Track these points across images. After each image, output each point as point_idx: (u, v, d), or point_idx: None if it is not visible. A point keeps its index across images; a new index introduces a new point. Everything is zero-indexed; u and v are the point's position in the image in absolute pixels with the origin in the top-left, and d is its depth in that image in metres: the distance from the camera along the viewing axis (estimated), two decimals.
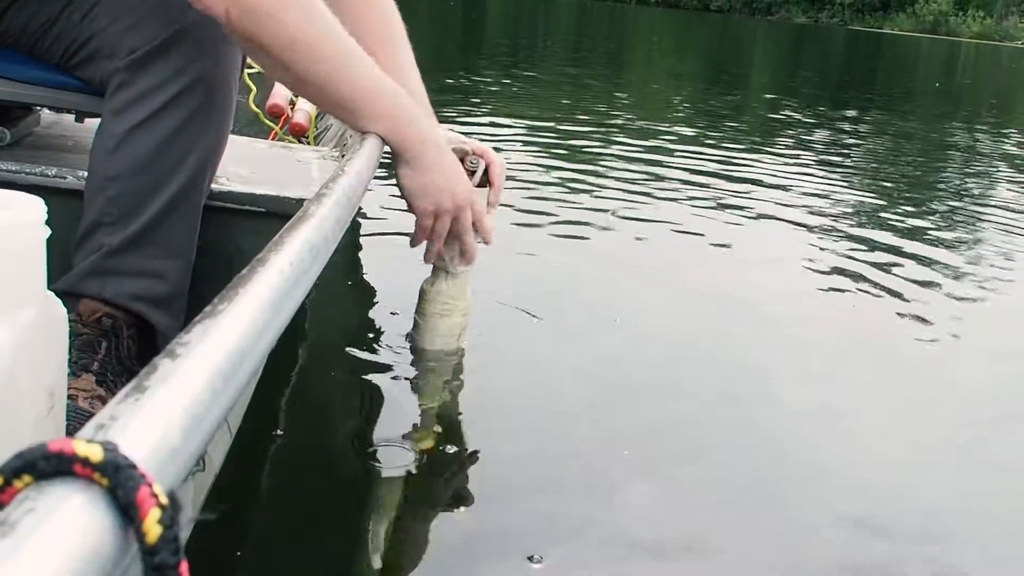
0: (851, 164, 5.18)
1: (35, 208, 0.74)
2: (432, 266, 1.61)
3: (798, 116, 7.66)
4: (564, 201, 3.25)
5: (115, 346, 1.21)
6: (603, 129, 5.26)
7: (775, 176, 4.32)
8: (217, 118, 1.23)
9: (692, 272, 2.65)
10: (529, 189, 3.34)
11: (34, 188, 1.25)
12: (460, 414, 1.61)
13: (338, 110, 1.27)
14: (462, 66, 8.41)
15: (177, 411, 0.42)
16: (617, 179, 3.79)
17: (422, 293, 1.65)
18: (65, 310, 0.82)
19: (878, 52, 29.12)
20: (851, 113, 8.23)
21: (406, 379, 1.66)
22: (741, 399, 1.81)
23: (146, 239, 1.21)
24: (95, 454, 0.34)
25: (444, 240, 1.50)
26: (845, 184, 4.41)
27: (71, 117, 1.47)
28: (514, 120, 5.08)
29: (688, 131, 5.62)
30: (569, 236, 2.82)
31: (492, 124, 4.83)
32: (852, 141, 6.32)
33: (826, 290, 2.57)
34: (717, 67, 14.52)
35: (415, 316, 1.68)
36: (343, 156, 1.62)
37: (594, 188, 3.56)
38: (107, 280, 1.20)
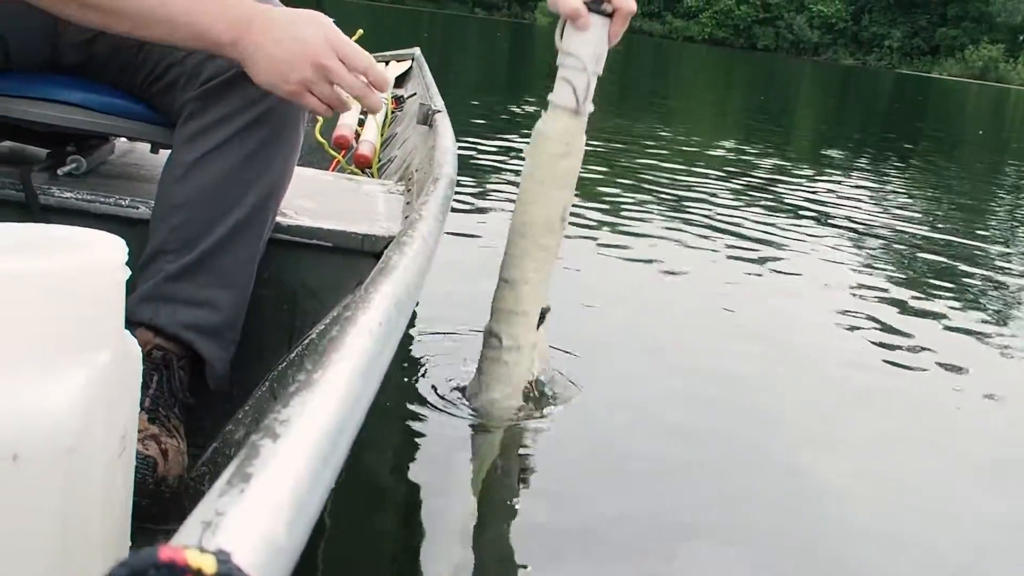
0: (891, 211, 5.12)
1: (117, 249, 0.73)
2: (549, 104, 1.52)
3: (840, 159, 7.62)
4: (600, 235, 3.27)
5: (166, 379, 1.20)
6: (643, 165, 5.28)
7: (813, 219, 4.31)
8: (283, 151, 1.23)
9: (730, 313, 2.64)
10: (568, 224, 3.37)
11: (108, 217, 1.25)
12: (516, 463, 1.59)
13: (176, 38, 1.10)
14: (507, 97, 8.46)
15: (282, 501, 0.40)
16: (655, 214, 3.81)
17: (537, 134, 1.54)
18: (140, 349, 0.81)
19: (925, 97, 28.86)
20: (894, 159, 8.17)
21: (464, 431, 1.63)
22: (788, 453, 1.80)
23: (203, 267, 1.20)
24: (208, 566, 0.32)
25: None
26: (884, 231, 4.37)
27: (145, 145, 1.47)
28: None
29: (728, 170, 5.62)
30: (608, 270, 2.84)
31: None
32: (893, 187, 6.26)
33: (863, 340, 2.55)
34: (761, 106, 14.48)
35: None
36: (408, 190, 1.60)
37: (632, 223, 3.58)
38: (161, 307, 1.19)
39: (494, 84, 10.47)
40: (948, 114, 20.71)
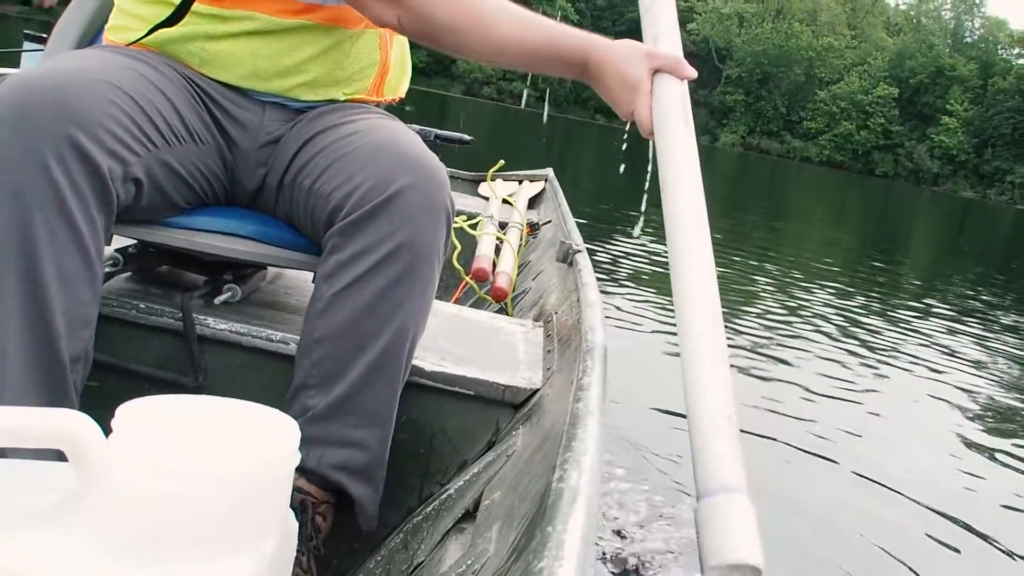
0: (1002, 358, 4.89)
1: (292, 436, 0.72)
2: None
3: (953, 297, 7.38)
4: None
5: (300, 523, 1.17)
6: (749, 288, 5.22)
7: (921, 356, 4.21)
8: (419, 286, 1.20)
9: (835, 443, 2.62)
10: (664, 341, 3.29)
11: (258, 351, 1.27)
12: None
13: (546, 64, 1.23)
14: (620, 206, 8.53)
15: None
16: (756, 340, 3.75)
17: None
18: (297, 524, 0.79)
19: None
20: (1009, 301, 7.84)
21: None
22: None
23: (347, 406, 1.18)
24: None
25: None
26: (992, 378, 4.21)
27: (295, 271, 1.49)
28: (658, 268, 5.06)
29: (837, 298, 5.53)
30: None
31: (635, 265, 4.82)
32: (1008, 329, 6.01)
33: (969, 483, 2.53)
34: (875, 235, 14.23)
35: None
36: (548, 336, 1.57)
37: (731, 348, 3.52)
38: (309, 449, 1.17)
39: (606, 190, 10.61)
40: None
